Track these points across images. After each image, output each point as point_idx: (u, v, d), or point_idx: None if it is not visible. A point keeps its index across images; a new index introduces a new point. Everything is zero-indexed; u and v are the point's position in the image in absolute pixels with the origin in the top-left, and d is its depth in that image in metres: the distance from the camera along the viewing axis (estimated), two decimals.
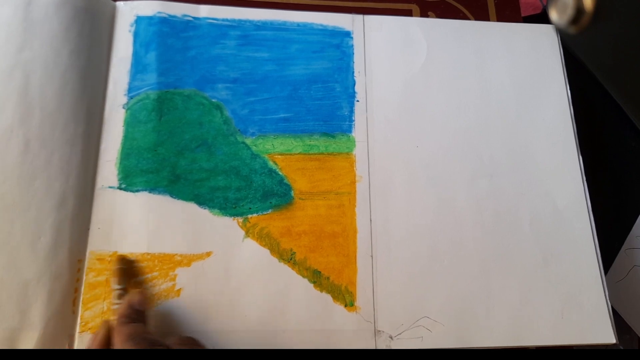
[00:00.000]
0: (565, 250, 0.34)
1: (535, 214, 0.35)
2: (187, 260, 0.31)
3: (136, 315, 0.27)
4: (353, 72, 0.37)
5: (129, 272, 0.31)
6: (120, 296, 0.29)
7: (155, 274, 0.31)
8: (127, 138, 0.33)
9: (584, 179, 0.36)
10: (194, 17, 0.37)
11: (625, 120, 0.39)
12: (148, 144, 0.33)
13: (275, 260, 0.32)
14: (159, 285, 0.31)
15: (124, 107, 0.34)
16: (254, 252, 0.32)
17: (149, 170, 0.33)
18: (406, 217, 0.34)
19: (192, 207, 0.33)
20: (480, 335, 0.32)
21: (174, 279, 0.31)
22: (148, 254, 0.31)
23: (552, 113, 0.38)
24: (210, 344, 0.30)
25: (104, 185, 0.32)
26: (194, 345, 0.26)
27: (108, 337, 0.26)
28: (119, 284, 0.29)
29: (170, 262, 0.31)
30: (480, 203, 0.35)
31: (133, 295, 0.28)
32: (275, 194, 0.34)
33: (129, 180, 0.33)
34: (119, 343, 0.25)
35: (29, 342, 0.28)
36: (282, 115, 0.35)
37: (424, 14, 0.42)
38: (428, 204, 0.34)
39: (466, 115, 0.37)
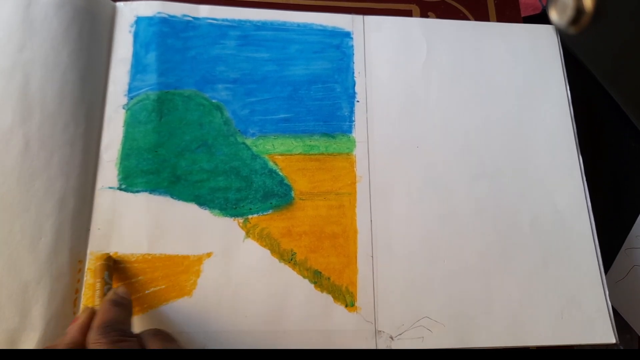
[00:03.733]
0: (565, 250, 0.34)
1: (536, 214, 0.35)
2: (187, 261, 0.31)
3: (121, 301, 0.27)
4: (353, 73, 0.37)
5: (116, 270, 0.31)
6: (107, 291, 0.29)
7: (155, 274, 0.31)
8: (128, 139, 0.33)
9: (584, 179, 0.36)
10: (193, 18, 0.37)
11: (625, 120, 0.39)
12: (148, 145, 0.33)
13: (275, 260, 0.32)
14: (159, 286, 0.31)
15: (124, 108, 0.34)
16: (254, 253, 0.32)
17: (149, 171, 0.33)
18: (406, 217, 0.34)
19: (192, 208, 0.33)
20: (481, 335, 0.32)
21: (174, 280, 0.31)
22: (148, 254, 0.31)
23: (552, 113, 0.38)
24: (211, 344, 0.30)
25: (104, 186, 0.32)
26: (167, 338, 0.26)
27: (88, 324, 0.25)
28: (111, 280, 0.29)
29: (171, 263, 0.31)
30: (481, 203, 0.35)
31: (119, 286, 0.29)
32: (276, 195, 0.34)
33: (129, 181, 0.33)
34: (94, 327, 0.24)
35: (29, 342, 0.28)
36: (282, 115, 0.35)
37: (424, 14, 0.42)
38: (428, 204, 0.34)
39: (466, 115, 0.37)
